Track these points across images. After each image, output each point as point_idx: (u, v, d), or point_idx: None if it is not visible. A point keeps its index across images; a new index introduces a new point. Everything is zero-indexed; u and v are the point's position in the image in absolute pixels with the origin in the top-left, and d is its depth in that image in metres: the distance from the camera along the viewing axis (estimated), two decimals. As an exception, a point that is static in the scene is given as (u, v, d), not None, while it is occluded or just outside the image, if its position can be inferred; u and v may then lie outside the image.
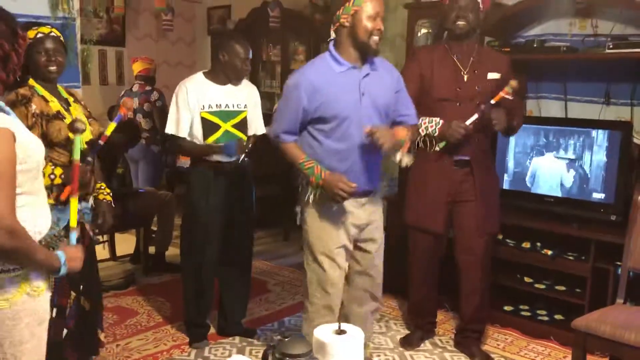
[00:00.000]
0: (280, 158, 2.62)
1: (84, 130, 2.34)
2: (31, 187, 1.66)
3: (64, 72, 2.53)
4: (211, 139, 3.12)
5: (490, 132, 3.10)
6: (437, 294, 3.39)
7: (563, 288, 3.48)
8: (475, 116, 2.91)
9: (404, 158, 2.60)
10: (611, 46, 3.24)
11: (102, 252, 4.62)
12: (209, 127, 3.11)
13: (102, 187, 2.65)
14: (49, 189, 2.36)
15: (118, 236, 4.85)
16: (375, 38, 2.43)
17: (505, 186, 3.63)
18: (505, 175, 3.66)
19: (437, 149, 3.01)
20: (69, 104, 2.52)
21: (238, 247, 3.32)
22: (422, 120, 3.01)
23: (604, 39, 3.42)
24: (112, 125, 2.59)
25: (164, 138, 3.25)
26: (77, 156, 2.21)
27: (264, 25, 5.93)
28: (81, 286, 2.58)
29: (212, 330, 3.45)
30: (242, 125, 3.21)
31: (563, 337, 3.29)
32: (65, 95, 2.55)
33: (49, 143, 2.36)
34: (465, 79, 3.01)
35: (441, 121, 2.98)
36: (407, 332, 3.50)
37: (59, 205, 2.33)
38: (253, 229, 3.45)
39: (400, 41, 4.44)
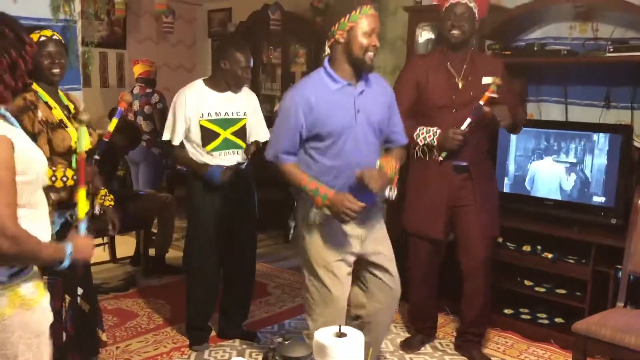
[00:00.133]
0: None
1: (89, 121, 2.37)
2: (31, 198, 1.65)
3: (65, 74, 2.55)
4: (211, 147, 3.13)
5: (491, 134, 3.10)
6: (437, 297, 3.39)
7: (563, 291, 3.48)
8: (469, 120, 2.92)
9: (392, 193, 2.59)
10: (611, 50, 3.24)
11: (102, 254, 4.62)
12: (208, 135, 3.12)
13: (106, 194, 2.68)
14: (58, 191, 2.39)
15: (118, 238, 4.85)
16: (370, 54, 2.40)
17: (506, 189, 3.64)
18: (506, 178, 3.66)
19: (440, 159, 3.02)
20: (69, 112, 2.54)
21: (241, 250, 3.33)
22: (419, 130, 3.03)
23: (604, 42, 3.42)
24: (114, 121, 2.63)
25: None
26: (83, 148, 2.22)
27: (264, 28, 5.94)
28: (81, 289, 2.59)
29: (212, 332, 3.45)
30: (242, 133, 3.21)
31: (563, 341, 3.29)
32: (66, 102, 2.57)
33: (52, 151, 2.39)
34: (460, 86, 3.02)
35: (438, 130, 2.99)
36: (408, 335, 3.50)
37: (60, 210, 2.34)
38: (255, 231, 3.45)
39: (400, 44, 4.45)
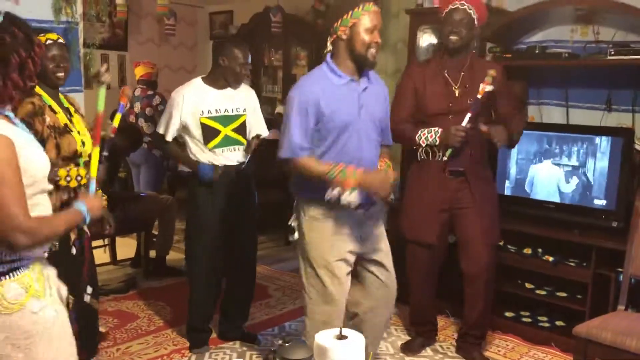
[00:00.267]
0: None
1: (109, 82, 2.40)
2: (28, 201, 1.63)
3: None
4: (212, 144, 3.14)
5: (491, 146, 3.10)
6: (436, 300, 3.39)
7: (564, 294, 3.47)
8: (469, 115, 2.91)
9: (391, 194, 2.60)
10: (613, 53, 3.24)
11: (103, 256, 4.62)
12: (209, 132, 3.12)
13: (101, 195, 2.69)
14: (73, 190, 2.45)
15: (119, 240, 4.86)
16: (373, 51, 2.41)
17: (507, 192, 3.63)
18: (507, 181, 3.66)
19: (445, 158, 3.01)
20: (70, 114, 2.56)
21: (242, 251, 3.33)
22: (420, 132, 3.03)
23: (605, 45, 3.42)
24: (118, 116, 2.66)
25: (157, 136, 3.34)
26: (101, 108, 2.28)
27: (266, 30, 5.94)
28: (90, 288, 2.62)
29: (213, 334, 3.45)
30: (242, 129, 3.22)
31: (564, 344, 3.28)
32: (66, 104, 2.59)
33: (58, 156, 2.41)
34: (457, 94, 3.03)
35: (439, 130, 2.99)
36: (408, 338, 3.49)
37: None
38: (256, 232, 3.45)
39: (402, 46, 4.45)
